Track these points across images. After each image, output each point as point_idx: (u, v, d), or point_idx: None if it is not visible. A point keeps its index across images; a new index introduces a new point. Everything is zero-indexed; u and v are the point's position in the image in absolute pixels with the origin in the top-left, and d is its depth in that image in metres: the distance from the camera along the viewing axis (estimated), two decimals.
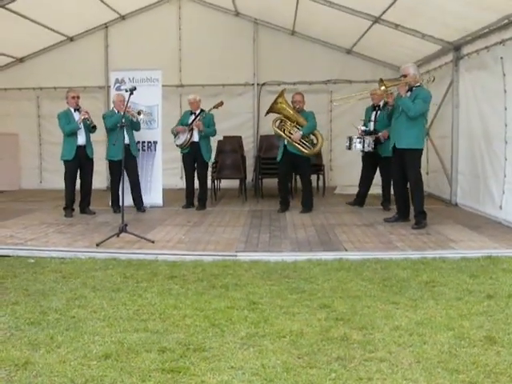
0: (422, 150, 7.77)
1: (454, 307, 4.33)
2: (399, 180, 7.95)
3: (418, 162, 7.74)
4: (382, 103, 9.32)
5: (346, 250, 6.38)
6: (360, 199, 9.79)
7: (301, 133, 8.92)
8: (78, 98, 9.11)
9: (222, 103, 9.92)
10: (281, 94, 9.21)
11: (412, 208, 7.89)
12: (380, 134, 9.12)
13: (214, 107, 9.79)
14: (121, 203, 7.50)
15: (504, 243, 6.55)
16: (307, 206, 9.24)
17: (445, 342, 3.64)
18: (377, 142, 9.15)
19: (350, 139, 9.33)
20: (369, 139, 9.15)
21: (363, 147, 9.21)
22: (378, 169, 9.58)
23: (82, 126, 8.88)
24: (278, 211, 9.26)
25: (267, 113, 9.46)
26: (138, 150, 9.82)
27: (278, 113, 9.22)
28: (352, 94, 9.54)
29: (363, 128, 9.30)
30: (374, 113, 9.49)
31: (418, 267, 5.57)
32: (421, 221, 7.61)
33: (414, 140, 7.53)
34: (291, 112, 9.12)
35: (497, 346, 3.59)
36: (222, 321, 4.08)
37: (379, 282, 5.10)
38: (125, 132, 8.75)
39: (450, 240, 6.80)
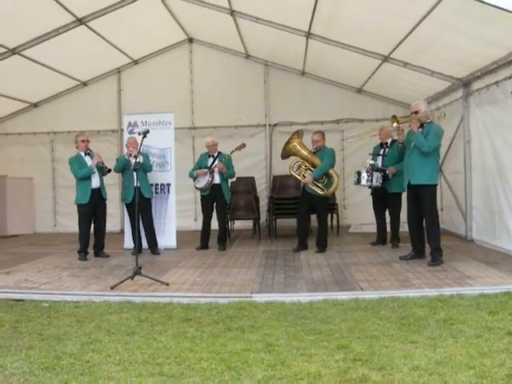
0: (436, 185, 7.74)
1: (474, 345, 4.24)
2: (414, 217, 7.87)
3: (433, 197, 7.69)
4: (389, 141, 9.42)
5: (362, 290, 6.30)
6: (381, 238, 9.71)
7: (311, 177, 8.95)
8: (88, 141, 9.14)
9: (244, 145, 9.99)
10: (295, 134, 9.24)
11: (427, 245, 7.82)
12: (387, 170, 9.14)
13: (237, 149, 9.85)
14: (134, 244, 7.51)
15: None
16: (322, 246, 9.19)
17: (466, 382, 3.55)
18: (384, 178, 9.16)
19: (359, 174, 9.28)
20: (377, 174, 9.14)
21: (371, 182, 9.19)
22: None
23: (95, 169, 8.91)
24: (292, 250, 9.23)
25: (283, 156, 9.43)
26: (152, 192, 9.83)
27: (292, 153, 9.24)
28: (363, 132, 9.60)
29: (372, 162, 9.26)
30: (382, 150, 9.53)
31: (436, 305, 5.48)
32: (437, 258, 7.53)
33: (428, 176, 7.51)
34: (305, 153, 9.15)
35: None
36: (238, 364, 4.01)
37: (397, 320, 5.02)
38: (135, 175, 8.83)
39: (467, 276, 6.71)
